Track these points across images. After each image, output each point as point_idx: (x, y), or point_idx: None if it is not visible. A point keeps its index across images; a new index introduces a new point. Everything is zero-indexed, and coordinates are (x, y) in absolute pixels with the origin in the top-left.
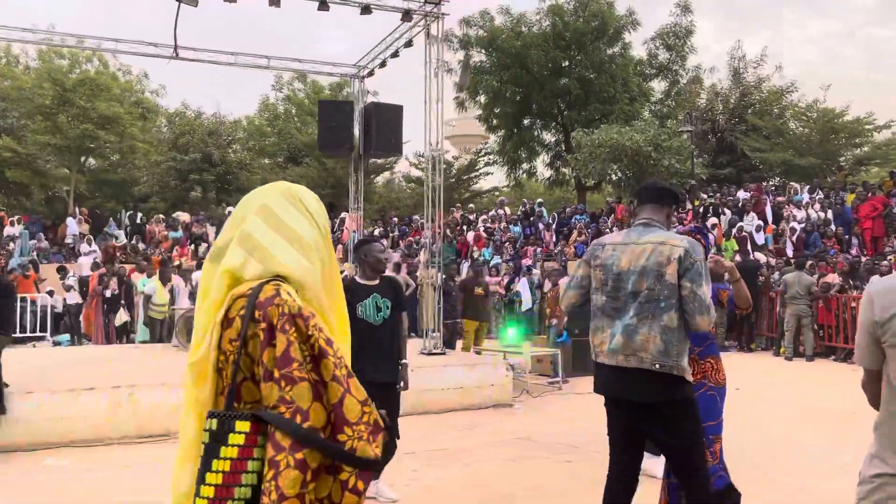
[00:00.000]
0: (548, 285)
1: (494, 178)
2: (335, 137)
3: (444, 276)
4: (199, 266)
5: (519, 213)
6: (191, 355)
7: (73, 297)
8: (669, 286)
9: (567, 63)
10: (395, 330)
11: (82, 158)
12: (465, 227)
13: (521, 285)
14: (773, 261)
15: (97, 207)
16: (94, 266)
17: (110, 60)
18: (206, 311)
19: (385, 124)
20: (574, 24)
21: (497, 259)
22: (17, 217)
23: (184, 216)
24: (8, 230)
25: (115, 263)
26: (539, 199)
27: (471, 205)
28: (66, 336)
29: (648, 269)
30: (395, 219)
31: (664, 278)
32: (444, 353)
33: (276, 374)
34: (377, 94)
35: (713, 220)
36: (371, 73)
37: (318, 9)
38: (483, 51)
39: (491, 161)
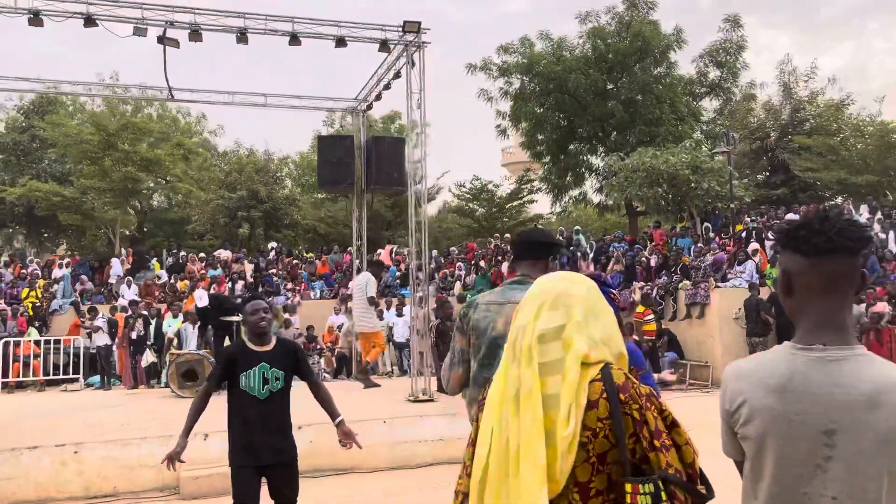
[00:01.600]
0: None
1: (542, 206)
2: (335, 173)
3: (438, 315)
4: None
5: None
6: (561, 429)
7: (102, 339)
8: None
9: (611, 86)
10: (285, 403)
11: (132, 201)
12: (500, 258)
13: None
14: None
15: (156, 247)
16: (122, 308)
17: (170, 104)
18: (566, 391)
19: (386, 158)
20: (616, 45)
21: None
22: (65, 260)
23: (225, 254)
24: (56, 272)
25: (154, 303)
26: (577, 227)
27: (507, 234)
28: (97, 378)
29: None
30: (435, 251)
31: None
32: (431, 401)
33: (657, 444)
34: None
35: (754, 245)
36: (370, 107)
37: (290, 43)
38: (523, 77)
39: (535, 188)
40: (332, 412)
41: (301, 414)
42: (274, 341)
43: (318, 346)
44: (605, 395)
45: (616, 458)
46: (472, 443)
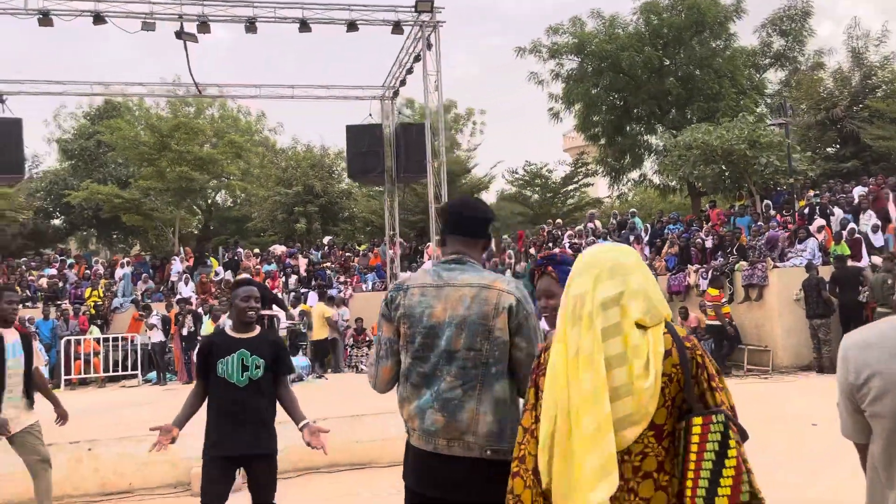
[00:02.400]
0: None
1: (600, 190)
2: (365, 163)
3: None
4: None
5: (611, 224)
6: (640, 381)
7: (157, 335)
8: (501, 345)
9: (667, 62)
10: (266, 394)
11: (190, 200)
12: (551, 245)
13: None
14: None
15: (221, 244)
16: (171, 305)
17: (229, 103)
18: (641, 347)
19: (415, 146)
20: (671, 19)
21: None
22: (126, 259)
23: (279, 249)
24: (118, 272)
25: (210, 299)
26: (632, 209)
27: (558, 220)
28: (154, 374)
29: (470, 321)
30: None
31: (492, 335)
32: None
33: (714, 385)
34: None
35: (820, 221)
36: (396, 94)
37: (300, 30)
38: (576, 58)
39: (591, 172)
40: (296, 416)
41: (322, 407)
42: (257, 330)
43: (367, 339)
44: (675, 345)
45: (682, 399)
46: (532, 407)
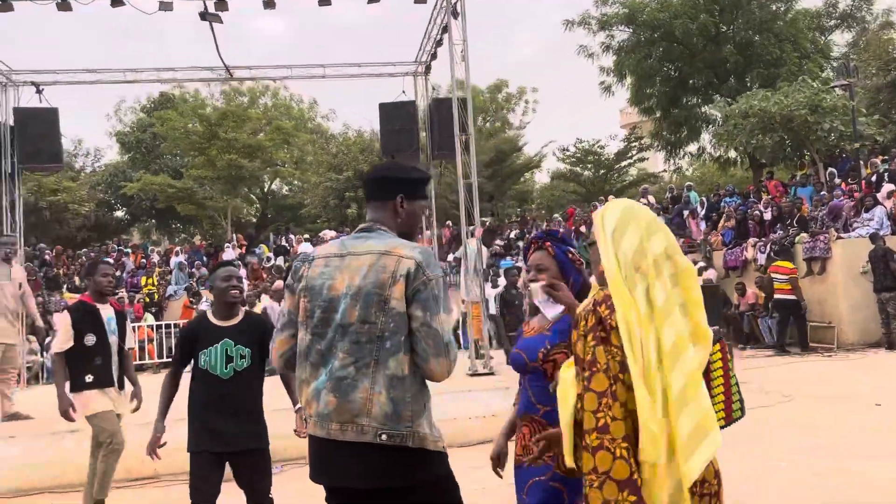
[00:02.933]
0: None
1: (658, 165)
2: (398, 141)
3: (504, 284)
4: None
5: (665, 199)
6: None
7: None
8: (396, 317)
9: (724, 28)
10: (254, 385)
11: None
12: None
13: None
14: None
15: (276, 232)
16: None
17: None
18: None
19: (446, 122)
20: None
21: None
22: (180, 248)
23: (329, 234)
24: (173, 260)
25: (260, 285)
26: (688, 183)
27: (611, 196)
28: None
29: (365, 291)
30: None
31: (388, 305)
32: (492, 374)
33: None
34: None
35: (889, 187)
36: (428, 69)
37: (320, 4)
38: (625, 29)
39: (645, 146)
40: (293, 399)
41: None
42: (241, 315)
43: None
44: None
45: None
46: (605, 368)
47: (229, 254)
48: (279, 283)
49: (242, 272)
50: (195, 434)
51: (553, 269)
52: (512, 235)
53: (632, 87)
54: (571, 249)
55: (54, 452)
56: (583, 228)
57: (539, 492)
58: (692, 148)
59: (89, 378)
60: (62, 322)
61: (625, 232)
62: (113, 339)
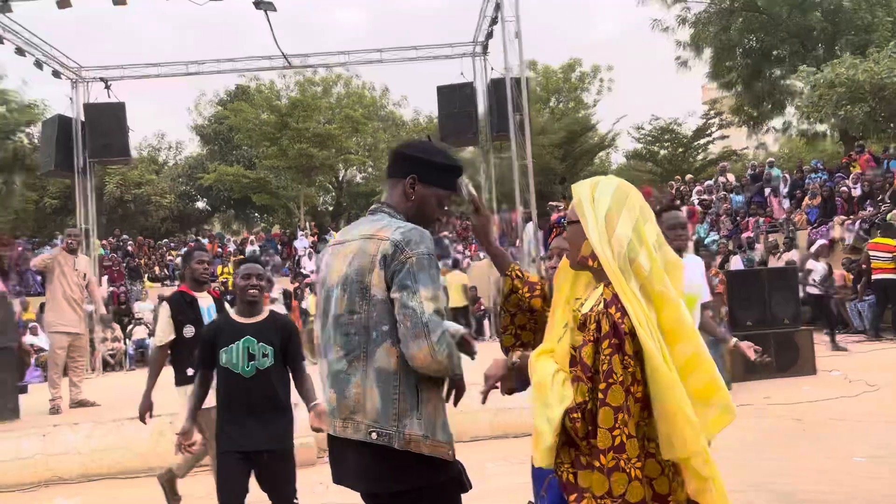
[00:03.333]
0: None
1: (738, 141)
2: (457, 124)
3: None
4: None
5: (747, 176)
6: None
7: (279, 309)
8: (378, 305)
9: None
10: (277, 383)
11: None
12: (679, 203)
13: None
14: None
15: (349, 219)
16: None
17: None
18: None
19: (503, 103)
20: None
21: (714, 236)
22: (254, 236)
23: None
24: (248, 249)
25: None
26: (770, 159)
27: (688, 175)
28: None
29: (350, 280)
30: None
31: (369, 293)
32: None
33: None
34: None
35: None
36: (485, 48)
37: None
38: (701, 0)
39: (726, 122)
40: (308, 399)
41: None
42: (265, 314)
43: (482, 308)
44: None
45: None
46: (622, 380)
47: (302, 242)
48: None
49: (315, 259)
50: (221, 433)
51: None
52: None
53: (711, 60)
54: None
55: (115, 439)
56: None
57: (557, 490)
58: (777, 122)
59: (191, 372)
60: (162, 314)
61: (619, 216)
62: None
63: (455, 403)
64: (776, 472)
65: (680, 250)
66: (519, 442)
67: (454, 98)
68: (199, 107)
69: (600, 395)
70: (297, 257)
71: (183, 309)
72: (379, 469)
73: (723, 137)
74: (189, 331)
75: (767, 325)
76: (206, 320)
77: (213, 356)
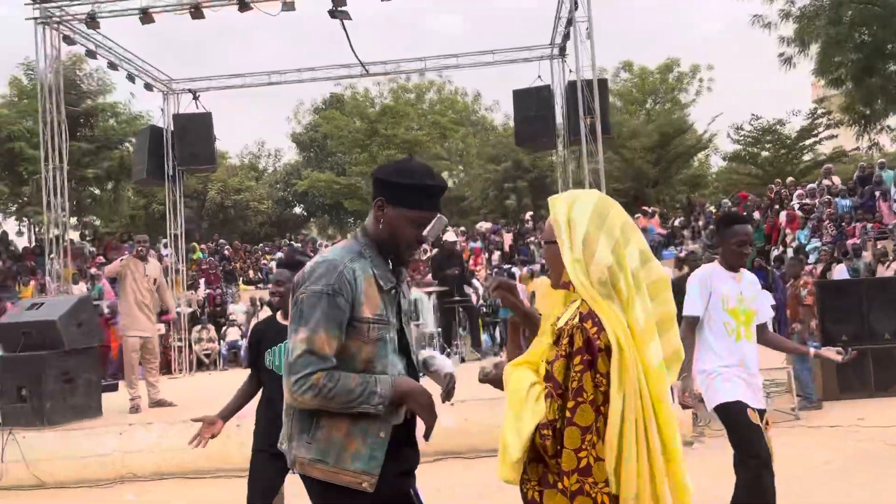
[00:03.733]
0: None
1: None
2: (533, 128)
3: None
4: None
5: (854, 179)
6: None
7: None
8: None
9: None
10: None
11: None
12: (777, 207)
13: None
14: None
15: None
16: None
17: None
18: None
19: (598, 104)
20: None
21: (816, 242)
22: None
23: (485, 226)
24: None
25: (417, 276)
26: (881, 160)
27: (789, 178)
28: None
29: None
30: (706, 204)
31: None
32: None
33: None
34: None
35: None
36: (563, 50)
37: None
38: None
39: (834, 122)
40: None
41: (465, 389)
42: None
43: None
44: None
45: None
46: (591, 400)
47: None
48: (429, 277)
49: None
50: (257, 432)
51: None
52: (676, 223)
53: (817, 56)
54: None
55: (185, 440)
56: (756, 215)
57: None
58: (893, 122)
59: None
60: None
61: (598, 240)
62: None
63: (426, 437)
64: (864, 500)
65: (741, 266)
66: None
67: (530, 102)
68: (298, 115)
69: (567, 414)
70: None
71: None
72: (306, 484)
73: (831, 137)
74: None
75: (864, 340)
76: None
77: (258, 358)
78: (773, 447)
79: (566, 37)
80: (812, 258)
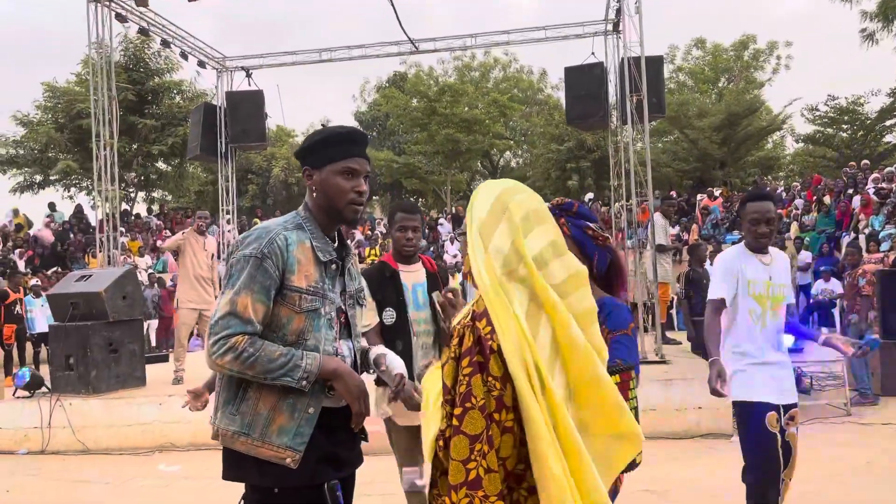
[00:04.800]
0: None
1: None
2: (584, 106)
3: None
4: None
5: None
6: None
7: None
8: None
9: None
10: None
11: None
12: (850, 192)
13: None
14: None
15: None
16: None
17: (512, 64)
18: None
19: (645, 83)
20: None
21: (890, 229)
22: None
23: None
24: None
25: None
26: None
27: (864, 161)
28: None
29: None
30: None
31: None
32: (663, 363)
33: None
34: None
35: None
36: (616, 26)
37: None
38: None
39: None
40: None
41: None
42: None
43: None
44: None
45: None
46: (482, 406)
47: (445, 226)
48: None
49: (457, 244)
50: None
51: (571, 249)
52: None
53: None
54: (590, 225)
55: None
56: (826, 199)
57: None
58: None
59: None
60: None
61: (495, 229)
62: (419, 316)
63: (353, 426)
64: None
65: (762, 247)
66: None
67: (582, 79)
68: (364, 93)
69: (455, 422)
70: (440, 241)
71: (381, 285)
72: (224, 455)
73: None
74: (389, 316)
75: None
76: (413, 301)
77: None
78: (796, 447)
79: (619, 11)
80: (885, 246)
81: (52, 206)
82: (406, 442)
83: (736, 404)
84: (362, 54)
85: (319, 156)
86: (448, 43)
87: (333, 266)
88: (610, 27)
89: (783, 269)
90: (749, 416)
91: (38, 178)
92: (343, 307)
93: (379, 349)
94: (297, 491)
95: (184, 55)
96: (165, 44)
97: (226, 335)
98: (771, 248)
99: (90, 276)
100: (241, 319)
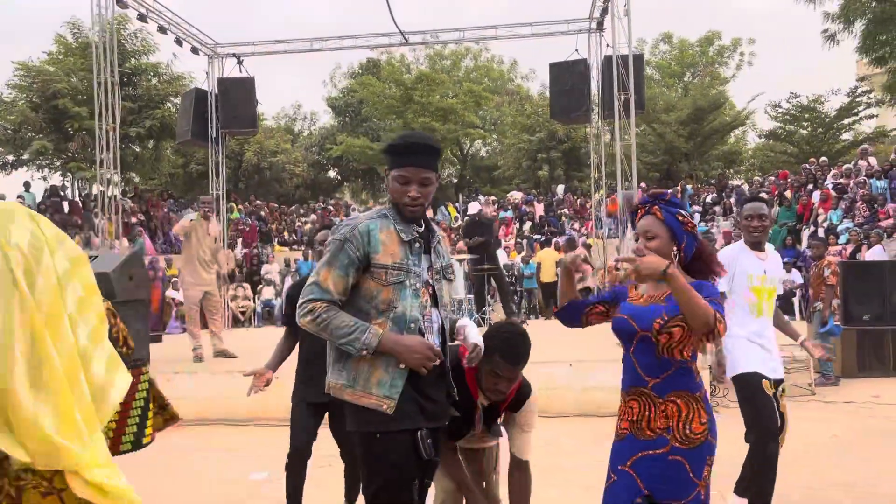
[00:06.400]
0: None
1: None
2: (568, 101)
3: None
4: None
5: (886, 162)
6: None
7: None
8: None
9: None
10: None
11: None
12: (810, 187)
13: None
14: None
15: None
16: None
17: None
18: None
19: (633, 80)
20: None
21: (848, 223)
22: (377, 208)
23: (517, 196)
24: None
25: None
26: None
27: (822, 158)
28: None
29: None
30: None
31: None
32: None
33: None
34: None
35: None
36: (601, 24)
37: None
38: None
39: (874, 101)
40: None
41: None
42: None
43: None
44: None
45: None
46: None
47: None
48: (461, 244)
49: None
50: (296, 385)
51: (664, 235)
52: (709, 199)
53: (862, 33)
54: (682, 212)
55: (226, 389)
56: (788, 194)
57: (654, 465)
58: None
59: None
60: None
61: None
62: None
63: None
64: (871, 474)
65: (757, 242)
66: (602, 422)
67: (566, 75)
68: (334, 79)
69: None
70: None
71: None
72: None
73: (871, 117)
74: None
75: (886, 321)
76: None
77: (294, 317)
78: (787, 416)
79: (604, 11)
80: (842, 239)
81: (27, 185)
82: None
83: (735, 378)
84: (353, 44)
85: (388, 160)
86: (438, 36)
87: (417, 244)
88: (594, 25)
89: (776, 265)
90: (747, 383)
91: (11, 157)
92: (430, 280)
93: (463, 321)
94: (394, 437)
95: (178, 41)
96: (162, 30)
97: (308, 300)
98: (766, 246)
99: (96, 256)
100: (321, 288)
